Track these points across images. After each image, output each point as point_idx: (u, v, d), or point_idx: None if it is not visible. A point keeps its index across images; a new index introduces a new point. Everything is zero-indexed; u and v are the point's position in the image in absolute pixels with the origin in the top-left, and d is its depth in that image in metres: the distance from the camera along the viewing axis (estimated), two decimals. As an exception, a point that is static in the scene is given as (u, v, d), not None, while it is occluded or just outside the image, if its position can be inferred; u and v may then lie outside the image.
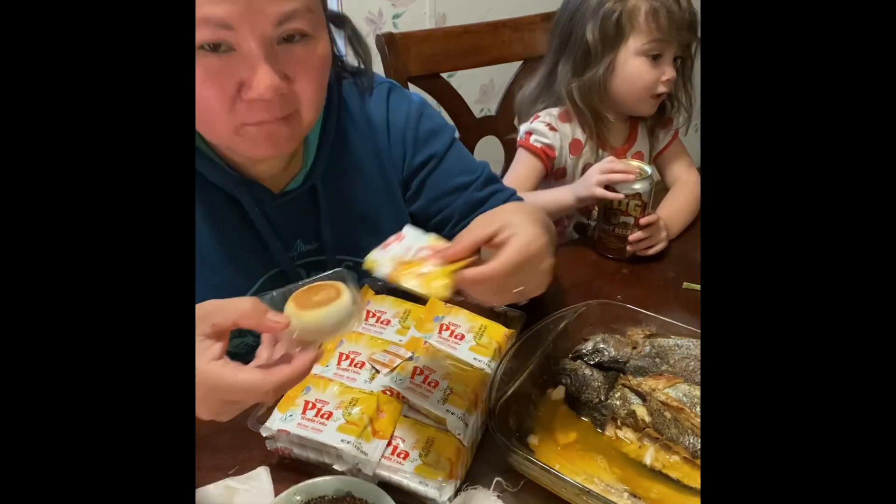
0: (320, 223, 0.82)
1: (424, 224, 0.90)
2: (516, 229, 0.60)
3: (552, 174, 1.21)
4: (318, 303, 0.56)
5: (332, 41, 0.74)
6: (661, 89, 1.13)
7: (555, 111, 1.19)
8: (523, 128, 1.21)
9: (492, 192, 0.90)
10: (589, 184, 1.02)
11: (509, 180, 1.18)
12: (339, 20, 0.77)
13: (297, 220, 0.81)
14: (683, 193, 1.19)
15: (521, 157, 1.21)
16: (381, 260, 0.61)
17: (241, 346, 0.80)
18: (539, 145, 1.18)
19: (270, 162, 0.77)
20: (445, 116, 1.38)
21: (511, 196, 0.92)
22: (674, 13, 1.08)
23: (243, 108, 0.64)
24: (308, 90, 0.67)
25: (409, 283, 0.58)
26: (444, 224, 0.89)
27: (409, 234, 0.65)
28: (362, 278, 0.83)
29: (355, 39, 0.79)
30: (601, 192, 1.00)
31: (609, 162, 1.03)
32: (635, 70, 1.12)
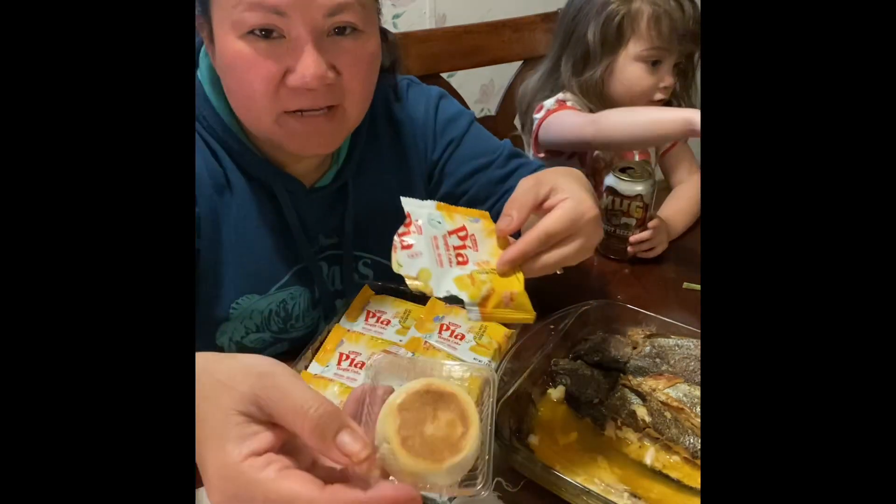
0: (345, 219, 0.82)
1: None
2: (566, 193, 0.59)
3: (565, 153, 1.19)
4: (435, 444, 0.39)
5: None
6: (659, 96, 1.13)
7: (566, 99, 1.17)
8: (549, 101, 1.17)
9: (516, 166, 0.89)
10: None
11: (559, 127, 1.11)
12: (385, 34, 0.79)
13: (324, 215, 0.81)
14: (686, 195, 1.19)
15: (562, 112, 1.13)
16: (435, 280, 0.52)
17: (258, 341, 0.79)
18: (578, 107, 1.15)
19: (310, 159, 0.78)
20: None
21: (538, 168, 0.90)
22: (676, 21, 1.07)
23: (287, 94, 0.65)
24: (355, 84, 0.67)
25: (503, 316, 0.53)
26: (470, 206, 0.88)
27: (416, 214, 0.58)
28: (378, 279, 0.84)
29: (384, 37, 0.80)
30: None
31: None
32: (633, 75, 1.11)
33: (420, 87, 0.90)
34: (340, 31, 0.65)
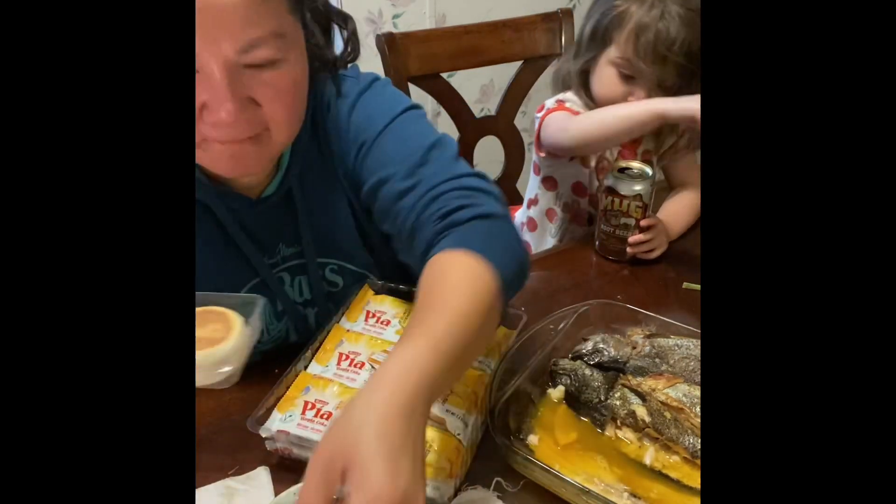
0: (299, 227, 0.79)
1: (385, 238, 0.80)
2: (358, 479, 0.43)
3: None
4: (200, 340, 0.52)
5: (325, 43, 0.71)
6: None
7: (580, 103, 1.17)
8: (550, 101, 1.16)
9: (417, 180, 0.71)
10: (693, 108, 0.92)
11: (549, 130, 1.11)
12: (343, 19, 0.74)
13: (277, 224, 0.78)
14: (686, 196, 1.18)
15: (556, 113, 1.12)
16: None
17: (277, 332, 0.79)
18: (574, 108, 1.14)
19: (248, 178, 0.74)
20: (445, 117, 1.38)
21: (449, 181, 0.70)
22: (659, 42, 1.02)
23: (207, 127, 0.62)
24: (277, 113, 0.64)
25: None
26: (378, 225, 0.78)
27: None
28: (348, 284, 0.82)
29: (353, 39, 0.75)
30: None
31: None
32: (606, 78, 1.10)
33: (352, 82, 0.79)
34: (258, 63, 0.61)
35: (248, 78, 0.61)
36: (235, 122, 0.60)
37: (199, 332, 0.53)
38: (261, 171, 0.72)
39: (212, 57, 0.58)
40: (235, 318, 0.56)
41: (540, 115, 1.15)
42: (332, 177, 0.79)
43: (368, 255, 0.84)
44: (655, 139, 1.22)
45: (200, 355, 0.53)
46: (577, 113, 1.12)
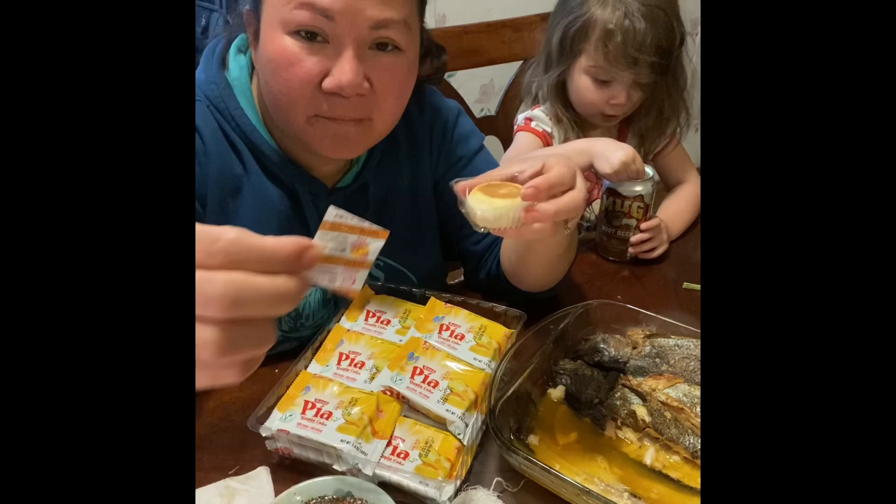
0: (366, 219, 0.83)
1: (447, 229, 0.92)
2: (557, 157, 0.63)
3: None
4: (505, 195, 0.61)
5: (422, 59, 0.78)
6: (610, 112, 1.11)
7: (549, 112, 1.18)
8: (522, 115, 1.19)
9: None
10: (611, 161, 0.97)
11: (510, 155, 1.16)
12: (438, 49, 0.83)
13: None
14: (685, 195, 1.18)
15: (521, 137, 1.18)
16: None
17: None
18: (540, 130, 1.16)
19: (335, 162, 0.79)
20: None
21: None
22: (627, 44, 1.02)
23: (321, 98, 0.67)
24: (387, 99, 0.70)
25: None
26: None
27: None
28: (390, 282, 0.85)
29: (441, 69, 0.84)
30: (617, 180, 0.98)
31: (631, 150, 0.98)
32: (582, 87, 1.11)
33: (440, 99, 0.91)
34: (382, 46, 0.67)
35: (370, 58, 0.66)
36: (352, 93, 0.66)
37: (501, 192, 0.61)
38: (357, 154, 0.78)
39: (347, 24, 0.64)
40: (516, 184, 0.64)
41: (520, 121, 1.19)
42: (400, 177, 0.86)
43: (412, 254, 0.88)
44: (639, 142, 1.22)
45: (514, 201, 0.61)
46: (541, 133, 1.15)
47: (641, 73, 1.06)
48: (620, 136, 1.22)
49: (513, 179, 0.64)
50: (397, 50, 0.68)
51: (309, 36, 0.64)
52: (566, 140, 1.17)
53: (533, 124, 1.17)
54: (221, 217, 0.74)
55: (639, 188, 0.99)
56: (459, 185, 0.64)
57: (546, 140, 1.16)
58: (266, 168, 0.76)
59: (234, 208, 0.75)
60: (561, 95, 1.15)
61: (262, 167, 0.76)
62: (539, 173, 0.62)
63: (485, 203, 0.60)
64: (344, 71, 0.64)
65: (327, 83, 0.65)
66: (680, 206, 1.15)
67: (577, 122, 1.17)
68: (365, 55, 0.66)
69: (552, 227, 0.62)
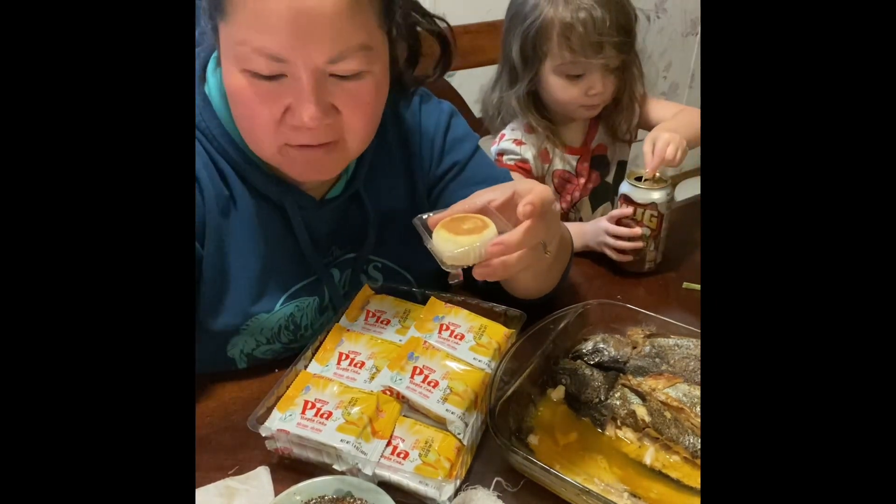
0: (367, 227, 0.83)
1: None
2: (531, 185, 0.62)
3: None
4: (470, 230, 0.59)
5: (411, 56, 0.77)
6: (589, 102, 1.12)
7: (517, 125, 1.18)
8: (493, 150, 1.20)
9: None
10: (599, 241, 1.01)
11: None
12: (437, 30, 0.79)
13: (337, 225, 0.82)
14: (684, 112, 1.18)
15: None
16: None
17: (269, 352, 0.80)
18: (513, 163, 1.17)
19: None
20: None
21: None
22: (589, 33, 1.04)
23: (288, 130, 0.66)
24: (355, 123, 0.68)
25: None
26: None
27: None
28: (388, 281, 0.85)
29: (447, 55, 0.81)
30: (612, 253, 1.00)
31: (612, 221, 0.99)
32: (556, 87, 1.11)
33: (432, 101, 0.89)
34: (343, 75, 0.65)
35: (332, 85, 0.65)
36: (317, 126, 0.64)
37: (465, 227, 0.59)
38: (333, 175, 0.76)
39: (302, 63, 0.62)
40: (482, 216, 0.62)
41: (493, 157, 1.18)
42: (395, 182, 0.85)
43: (411, 255, 0.87)
44: (610, 131, 1.22)
45: (480, 236, 0.59)
46: (514, 166, 1.16)
47: (609, 55, 1.07)
48: (591, 130, 1.22)
49: (483, 210, 0.62)
50: (360, 73, 0.66)
51: (265, 76, 0.63)
52: (541, 150, 1.16)
53: (506, 159, 1.17)
54: (216, 236, 0.73)
55: (655, 195, 0.96)
56: (429, 221, 0.62)
57: (522, 170, 1.16)
58: (251, 186, 0.75)
59: (228, 229, 0.74)
60: (532, 104, 1.15)
61: (246, 186, 0.75)
62: (511, 201, 0.61)
63: (449, 241, 0.59)
64: (306, 108, 0.63)
65: (290, 120, 0.64)
66: (686, 118, 1.14)
67: (552, 129, 1.17)
68: (326, 83, 0.64)
69: (528, 257, 0.60)
